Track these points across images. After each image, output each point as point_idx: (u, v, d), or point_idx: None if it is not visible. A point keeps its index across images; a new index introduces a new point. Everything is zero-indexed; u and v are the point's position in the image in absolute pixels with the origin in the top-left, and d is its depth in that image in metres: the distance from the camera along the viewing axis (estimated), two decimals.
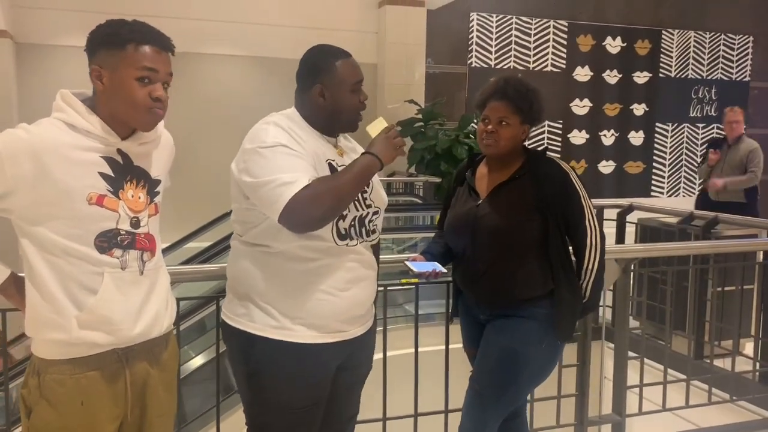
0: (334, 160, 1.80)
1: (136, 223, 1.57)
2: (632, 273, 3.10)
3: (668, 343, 3.37)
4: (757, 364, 3.75)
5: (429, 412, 2.68)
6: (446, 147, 6.61)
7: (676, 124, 9.56)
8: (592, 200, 2.13)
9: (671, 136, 9.55)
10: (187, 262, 4.59)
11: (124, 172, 1.56)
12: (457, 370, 2.51)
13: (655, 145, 9.47)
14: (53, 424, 1.52)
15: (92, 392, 1.53)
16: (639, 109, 9.30)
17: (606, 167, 9.20)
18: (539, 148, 2.19)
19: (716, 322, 3.92)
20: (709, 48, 9.57)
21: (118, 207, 1.53)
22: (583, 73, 8.92)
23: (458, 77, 8.31)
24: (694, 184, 9.33)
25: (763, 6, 9.73)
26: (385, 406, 2.60)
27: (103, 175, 1.52)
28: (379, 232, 1.90)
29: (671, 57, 9.38)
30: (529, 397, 2.62)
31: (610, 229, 4.20)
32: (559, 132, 8.83)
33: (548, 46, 8.71)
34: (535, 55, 8.66)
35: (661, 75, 9.36)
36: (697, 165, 6.33)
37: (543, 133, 8.70)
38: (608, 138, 9.16)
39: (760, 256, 3.94)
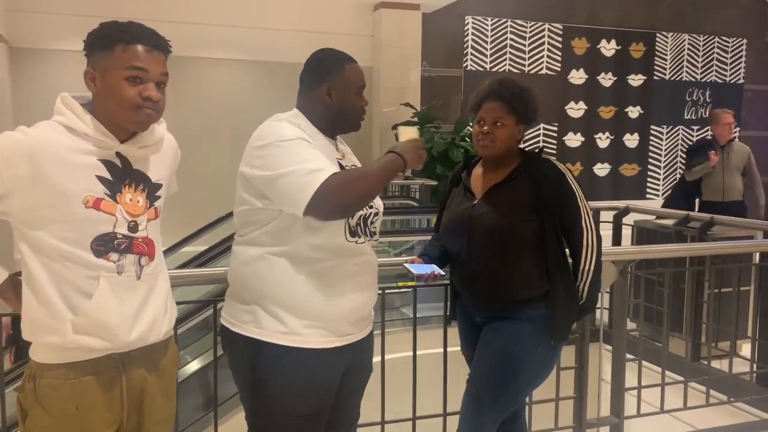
0: (341, 160, 1.82)
1: (133, 227, 1.56)
2: (629, 275, 3.10)
3: (665, 345, 3.37)
4: (754, 366, 3.76)
5: (427, 415, 2.68)
6: (442, 150, 6.63)
7: (670, 127, 9.58)
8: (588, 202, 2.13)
9: (666, 139, 9.57)
10: (183, 266, 4.57)
11: (122, 176, 1.55)
12: (455, 373, 2.50)
13: (650, 148, 9.49)
14: (48, 429, 1.51)
15: (87, 397, 1.52)
16: (634, 112, 9.31)
17: (601, 170, 9.21)
18: (534, 150, 2.19)
19: (713, 324, 3.92)
20: (703, 51, 9.60)
21: (116, 211, 1.52)
22: (578, 76, 8.93)
23: (454, 80, 8.32)
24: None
25: (756, 9, 9.78)
26: (383, 410, 2.59)
27: (101, 179, 1.51)
28: (378, 236, 1.90)
29: (665, 60, 9.40)
30: (527, 400, 2.61)
31: (606, 232, 4.22)
32: (555, 135, 8.84)
33: (543, 49, 8.72)
34: (530, 58, 8.66)
35: (655, 77, 9.38)
36: (684, 166, 6.33)
37: (538, 136, 8.70)
38: (603, 141, 9.18)
39: (757, 258, 3.95)
